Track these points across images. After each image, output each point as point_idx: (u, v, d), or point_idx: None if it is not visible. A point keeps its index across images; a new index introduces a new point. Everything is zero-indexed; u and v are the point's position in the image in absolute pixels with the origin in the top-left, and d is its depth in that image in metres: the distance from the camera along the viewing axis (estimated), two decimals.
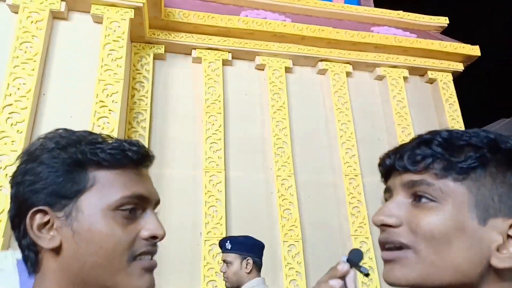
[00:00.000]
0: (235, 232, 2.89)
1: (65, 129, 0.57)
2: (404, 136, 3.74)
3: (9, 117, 2.55)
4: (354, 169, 3.46)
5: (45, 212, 0.52)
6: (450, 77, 4.24)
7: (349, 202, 3.31)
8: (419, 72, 4.24)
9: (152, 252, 0.56)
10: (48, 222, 0.52)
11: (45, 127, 2.68)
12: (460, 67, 4.29)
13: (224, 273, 1.93)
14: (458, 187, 0.44)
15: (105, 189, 0.53)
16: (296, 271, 2.90)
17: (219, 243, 2.11)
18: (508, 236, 0.42)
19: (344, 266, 0.50)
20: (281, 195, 3.16)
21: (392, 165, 0.49)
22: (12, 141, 2.50)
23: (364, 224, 3.26)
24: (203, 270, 2.73)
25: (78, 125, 2.34)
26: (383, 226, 0.48)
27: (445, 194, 0.44)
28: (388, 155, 0.51)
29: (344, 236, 3.22)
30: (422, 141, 0.47)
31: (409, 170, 0.47)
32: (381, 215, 0.48)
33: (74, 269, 0.51)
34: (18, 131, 2.54)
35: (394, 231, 0.47)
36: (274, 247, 2.93)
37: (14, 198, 0.54)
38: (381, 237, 0.49)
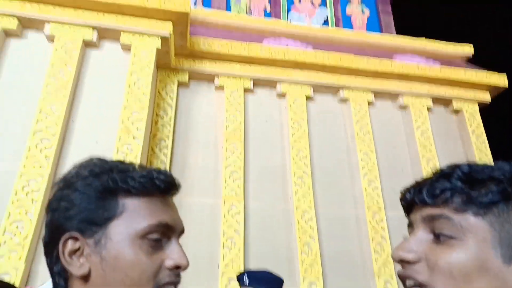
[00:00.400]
0: (252, 265, 2.83)
1: (99, 158, 0.60)
2: (429, 168, 3.62)
3: (39, 143, 2.64)
4: (377, 202, 3.36)
5: (76, 239, 0.53)
6: (476, 107, 4.13)
7: (371, 238, 3.20)
8: (443, 102, 4.15)
9: (175, 283, 0.56)
10: (78, 249, 0.53)
11: (72, 153, 2.76)
12: (487, 97, 4.18)
13: None
14: (479, 222, 0.42)
15: (133, 216, 0.54)
16: None
17: (237, 277, 2.07)
18: None
19: None
20: (301, 227, 3.09)
21: (412, 199, 0.49)
22: (40, 166, 2.58)
23: (389, 263, 3.13)
24: None
25: (103, 151, 2.38)
26: (402, 262, 0.47)
27: (465, 229, 0.42)
28: (408, 189, 0.51)
29: (368, 275, 3.09)
30: (442, 175, 0.46)
31: (428, 204, 0.46)
32: (400, 251, 0.47)
33: None
34: (46, 156, 2.62)
35: (412, 267, 0.46)
36: (293, 284, 2.85)
37: (50, 224, 0.56)
38: (400, 271, 0.48)
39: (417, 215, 0.48)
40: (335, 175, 3.51)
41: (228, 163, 3.24)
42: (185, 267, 0.57)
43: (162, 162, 3.11)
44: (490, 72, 4.17)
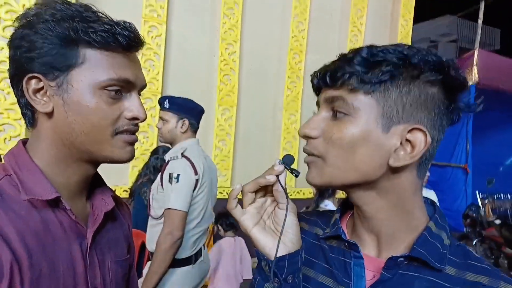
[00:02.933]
0: (171, 90, 2.87)
1: (63, 1, 0.58)
2: (356, 18, 3.67)
3: None
4: (301, 45, 3.43)
5: (39, 79, 0.56)
6: None
7: (288, 77, 3.40)
8: None
9: (133, 131, 0.63)
10: (42, 88, 0.57)
11: None
12: None
13: (159, 129, 1.98)
14: (368, 100, 0.49)
15: (94, 68, 0.57)
16: (226, 133, 3.12)
17: (159, 100, 2.08)
18: (406, 140, 0.49)
19: (279, 167, 0.57)
20: (224, 59, 3.08)
21: (318, 82, 0.54)
22: None
23: (297, 99, 3.47)
24: None
25: None
26: (306, 138, 0.55)
27: (356, 108, 0.49)
28: (316, 73, 0.55)
29: (277, 108, 3.43)
30: (345, 59, 0.51)
31: (329, 86, 0.52)
32: (305, 128, 0.54)
33: (64, 133, 0.58)
34: None
35: (313, 142, 0.53)
36: (208, 109, 3.01)
37: (12, 60, 0.58)
38: (304, 147, 0.56)
39: (321, 96, 0.54)
40: (266, 12, 3.34)
41: None
42: (143, 120, 0.62)
43: None
44: None
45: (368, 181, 0.52)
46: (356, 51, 0.50)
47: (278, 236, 0.56)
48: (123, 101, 0.60)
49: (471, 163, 4.15)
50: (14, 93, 0.59)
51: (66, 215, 0.60)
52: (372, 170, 0.51)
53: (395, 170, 0.51)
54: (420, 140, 0.49)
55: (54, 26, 0.55)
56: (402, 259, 0.50)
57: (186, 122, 1.96)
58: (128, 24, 0.59)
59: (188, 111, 1.98)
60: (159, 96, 2.77)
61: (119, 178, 2.77)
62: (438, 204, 0.61)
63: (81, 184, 0.64)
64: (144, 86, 0.65)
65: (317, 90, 0.56)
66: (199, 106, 2.02)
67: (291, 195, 3.45)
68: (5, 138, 2.31)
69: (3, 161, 0.61)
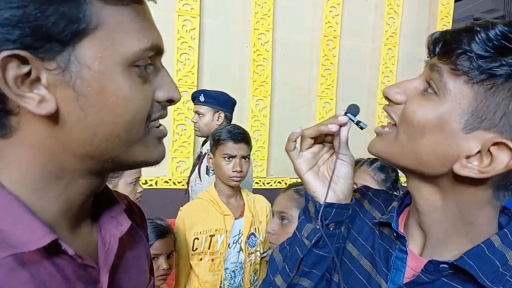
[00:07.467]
0: (206, 83, 2.91)
1: None
2: (393, 0, 3.50)
3: None
4: (334, 31, 3.34)
5: (22, 60, 0.33)
6: None
7: (322, 64, 3.33)
8: None
9: (163, 117, 0.44)
10: (28, 74, 0.34)
11: None
12: None
13: (195, 123, 2.04)
14: (465, 88, 0.42)
15: (115, 35, 0.36)
16: (261, 123, 3.14)
17: (192, 95, 2.14)
18: (488, 151, 0.41)
19: (343, 118, 0.53)
20: (256, 50, 3.08)
21: (428, 47, 0.47)
22: None
23: (332, 87, 3.39)
24: (173, 114, 2.86)
25: None
26: (388, 99, 0.50)
27: (448, 90, 0.43)
28: (433, 34, 0.47)
29: (311, 96, 3.38)
30: (469, 31, 0.42)
31: (437, 55, 0.46)
32: (391, 90, 0.49)
33: (77, 141, 0.38)
34: None
35: (394, 106, 0.49)
36: (242, 100, 3.03)
37: None
38: (385, 106, 0.52)
39: (428, 61, 0.47)
40: None
41: None
42: (178, 101, 0.44)
43: None
44: None
45: (425, 174, 0.46)
46: (487, 25, 0.40)
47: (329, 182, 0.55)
48: (151, 79, 0.41)
49: None
50: None
51: (68, 260, 0.39)
52: (432, 164, 0.45)
53: (460, 178, 0.43)
54: (502, 160, 0.41)
55: None
56: (445, 266, 0.45)
57: (222, 114, 2.00)
58: None
59: (223, 103, 2.03)
60: (195, 89, 2.83)
61: (160, 169, 2.88)
62: None
63: (86, 204, 0.44)
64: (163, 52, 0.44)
65: (429, 53, 0.49)
66: (232, 98, 2.06)
67: (264, 186, 3.21)
68: None
69: None
